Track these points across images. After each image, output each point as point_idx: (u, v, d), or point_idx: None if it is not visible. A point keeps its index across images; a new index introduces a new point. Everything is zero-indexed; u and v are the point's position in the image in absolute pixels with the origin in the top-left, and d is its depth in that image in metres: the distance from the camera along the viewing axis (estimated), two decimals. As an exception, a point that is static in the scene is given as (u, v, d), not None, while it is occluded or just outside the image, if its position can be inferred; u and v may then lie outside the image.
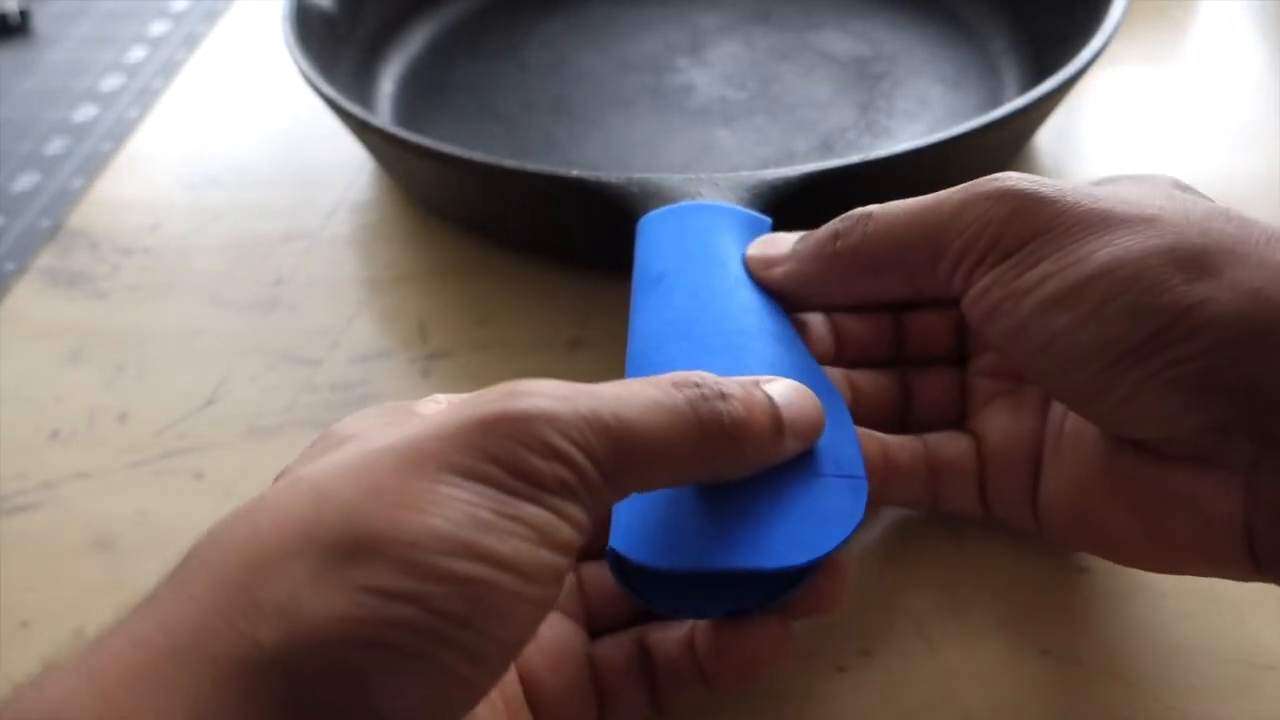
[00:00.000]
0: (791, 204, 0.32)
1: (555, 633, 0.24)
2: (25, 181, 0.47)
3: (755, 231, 0.30)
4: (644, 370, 0.26)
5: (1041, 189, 0.23)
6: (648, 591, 0.23)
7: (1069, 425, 0.26)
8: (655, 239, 0.30)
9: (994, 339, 0.24)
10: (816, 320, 0.29)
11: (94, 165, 0.48)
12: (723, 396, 0.21)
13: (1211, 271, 0.21)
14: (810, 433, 0.23)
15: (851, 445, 0.24)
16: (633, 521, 0.23)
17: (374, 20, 0.50)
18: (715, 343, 0.26)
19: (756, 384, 0.23)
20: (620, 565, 0.23)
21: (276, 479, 0.21)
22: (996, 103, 0.44)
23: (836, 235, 0.27)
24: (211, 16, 0.59)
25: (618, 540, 0.23)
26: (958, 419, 0.29)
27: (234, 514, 0.19)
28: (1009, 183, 0.24)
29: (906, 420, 0.30)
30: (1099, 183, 0.25)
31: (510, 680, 0.23)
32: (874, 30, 0.50)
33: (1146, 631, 0.27)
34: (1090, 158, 0.44)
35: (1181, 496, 0.23)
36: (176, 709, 0.16)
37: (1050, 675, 0.26)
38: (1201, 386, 0.21)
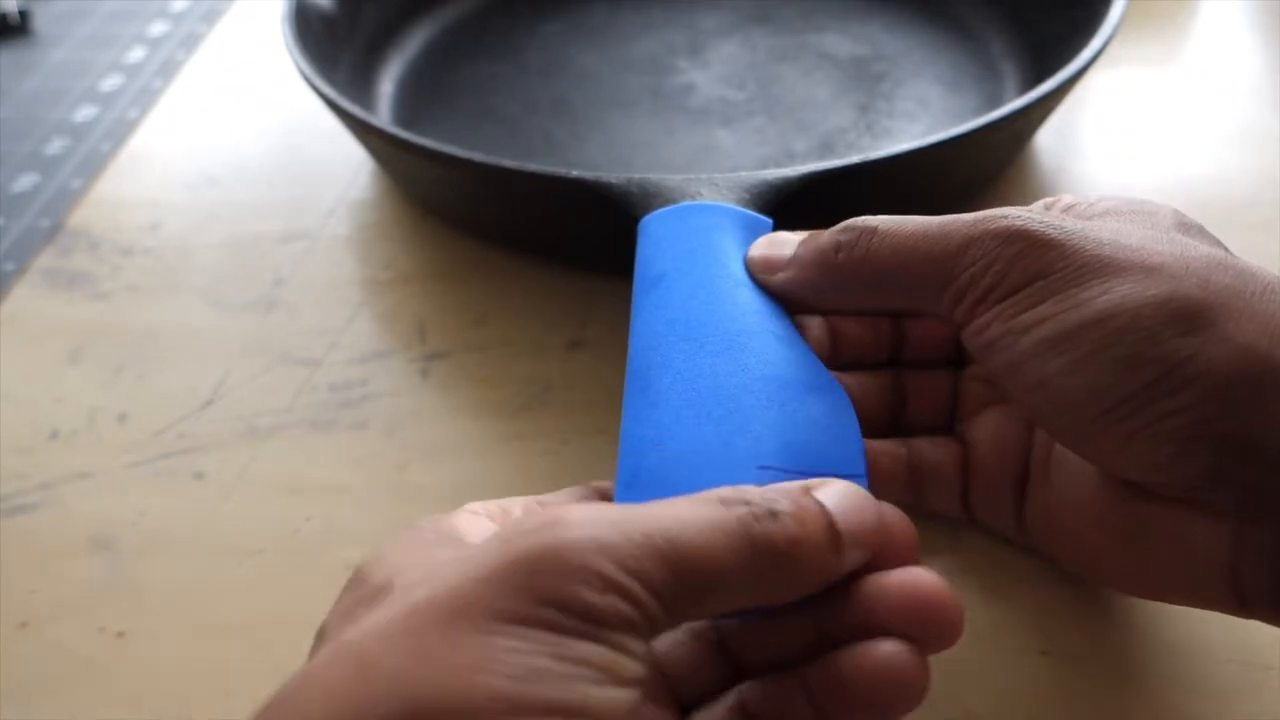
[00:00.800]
0: (791, 204, 0.32)
1: None
2: (25, 182, 0.47)
3: (755, 232, 0.30)
4: (645, 371, 0.26)
5: (1048, 231, 0.23)
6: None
7: (1058, 451, 0.26)
8: (656, 239, 0.30)
9: (990, 371, 0.24)
10: (814, 322, 0.30)
11: (94, 165, 0.48)
12: (773, 515, 0.20)
13: (1205, 325, 0.21)
14: (871, 538, 0.22)
15: (853, 443, 0.24)
16: None
17: (373, 21, 0.50)
18: (716, 343, 0.26)
19: (807, 491, 0.21)
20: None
21: (316, 640, 0.20)
22: (996, 104, 0.44)
23: (839, 247, 0.26)
24: (211, 17, 0.59)
25: None
26: (949, 424, 0.30)
27: (283, 694, 0.18)
28: (1018, 223, 0.24)
29: (899, 423, 0.30)
30: (1103, 212, 0.25)
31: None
32: (874, 31, 0.50)
33: (1146, 631, 0.27)
34: (1090, 158, 0.44)
35: (1170, 536, 0.23)
36: None
37: (1050, 675, 0.26)
38: (1192, 438, 0.21)
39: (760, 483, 0.23)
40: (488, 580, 0.18)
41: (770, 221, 0.31)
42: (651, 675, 0.22)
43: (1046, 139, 0.44)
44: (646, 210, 0.32)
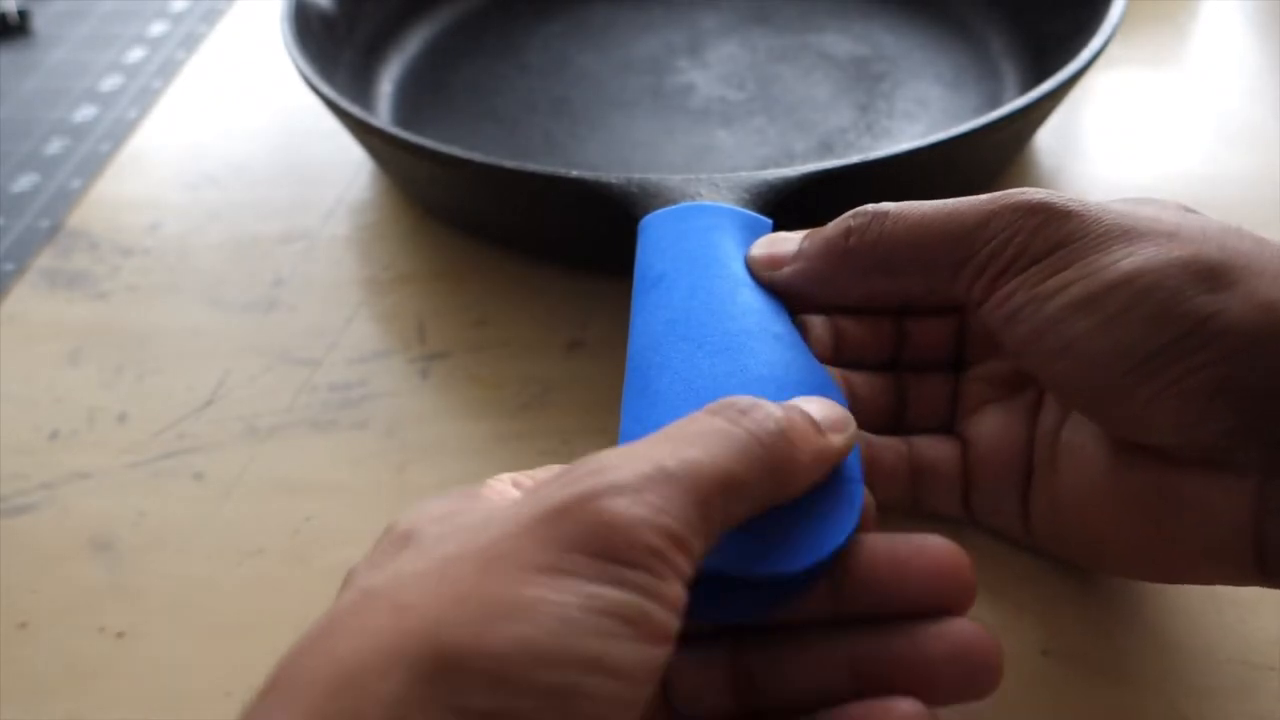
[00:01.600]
0: (791, 204, 0.32)
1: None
2: (25, 182, 0.47)
3: (756, 232, 0.30)
4: (644, 371, 0.26)
5: (1069, 204, 0.24)
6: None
7: (1065, 438, 0.26)
8: (656, 240, 0.30)
9: (1013, 343, 0.24)
10: (816, 321, 0.30)
11: (93, 165, 0.48)
12: (757, 408, 0.21)
13: (1227, 284, 0.22)
14: (844, 424, 0.23)
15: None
16: None
17: (373, 21, 0.50)
18: (716, 343, 0.26)
19: (776, 405, 0.22)
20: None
21: (342, 586, 0.21)
22: (996, 103, 0.44)
23: (849, 232, 0.27)
24: (211, 17, 0.59)
25: None
26: (950, 426, 0.30)
27: (309, 635, 0.18)
28: (1037, 196, 0.24)
29: (900, 424, 0.30)
30: (1112, 201, 0.26)
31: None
32: (873, 31, 0.50)
33: (1146, 631, 0.27)
34: (1090, 158, 0.44)
35: (1192, 502, 0.23)
36: None
37: (1050, 675, 0.26)
38: (1216, 393, 0.22)
39: None
40: (520, 534, 0.18)
41: (770, 221, 0.31)
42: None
43: (1046, 139, 0.44)
44: (646, 210, 0.32)
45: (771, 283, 0.28)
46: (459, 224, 0.42)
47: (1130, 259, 0.23)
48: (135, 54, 0.56)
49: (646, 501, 0.19)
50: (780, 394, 0.25)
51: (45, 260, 0.43)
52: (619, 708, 0.17)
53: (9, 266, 0.42)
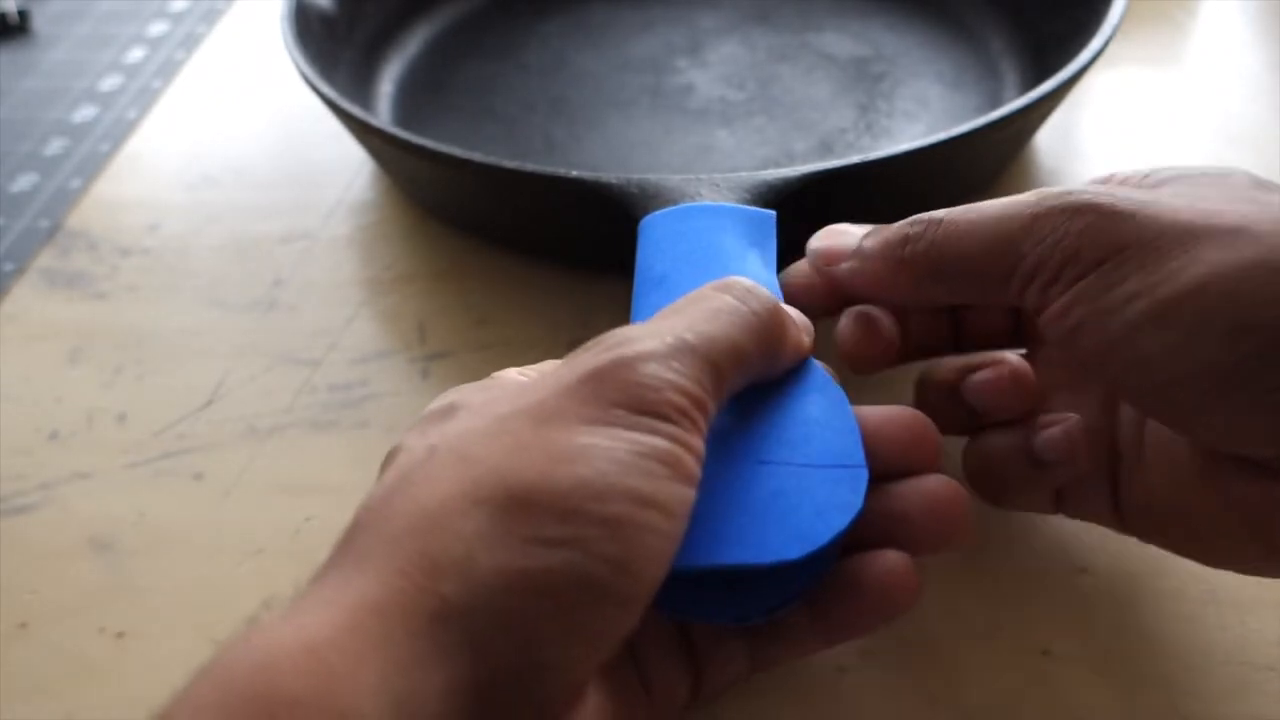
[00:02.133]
0: (791, 204, 0.32)
1: None
2: (24, 182, 0.47)
3: (757, 227, 0.30)
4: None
5: (1117, 203, 0.23)
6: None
7: (1150, 431, 0.26)
8: (656, 241, 0.30)
9: (1080, 356, 0.23)
10: (881, 313, 0.29)
11: (93, 166, 0.48)
12: (755, 286, 0.24)
13: None
14: (809, 329, 0.26)
15: (850, 435, 0.24)
16: None
17: (373, 21, 0.50)
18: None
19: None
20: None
21: (387, 459, 0.23)
22: (996, 103, 0.44)
23: (906, 240, 0.26)
24: (211, 17, 0.59)
25: None
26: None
27: (386, 488, 0.20)
28: (1083, 197, 0.23)
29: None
30: (1170, 179, 0.25)
31: None
32: (873, 31, 0.50)
33: (1146, 632, 0.27)
34: (1090, 158, 0.44)
35: None
36: (375, 654, 0.17)
37: (1050, 675, 0.26)
38: None
39: (759, 476, 0.23)
40: (566, 392, 0.21)
41: (772, 214, 0.31)
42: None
43: (1046, 139, 0.44)
44: (646, 210, 0.32)
45: (827, 277, 0.28)
46: (459, 224, 0.42)
47: (1195, 266, 0.21)
48: (135, 54, 0.56)
49: (673, 368, 0.21)
50: (783, 397, 0.25)
51: (45, 260, 0.43)
52: (662, 537, 0.20)
53: (9, 266, 0.42)
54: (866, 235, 0.27)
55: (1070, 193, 0.23)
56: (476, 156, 0.35)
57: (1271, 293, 0.21)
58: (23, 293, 0.41)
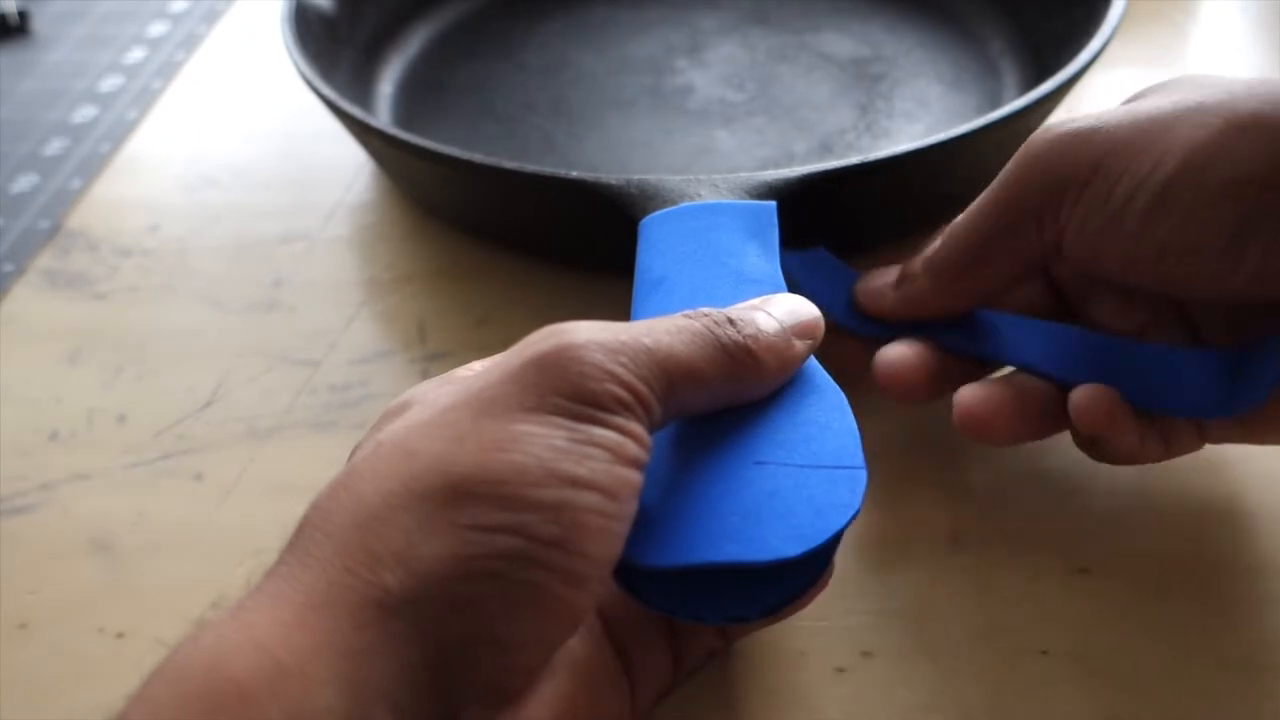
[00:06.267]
0: (791, 205, 0.32)
1: None
2: (24, 182, 0.47)
3: (758, 220, 0.30)
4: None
5: (1079, 124, 0.25)
6: (649, 594, 0.23)
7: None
8: (656, 241, 0.30)
9: (1108, 268, 0.25)
10: (910, 353, 0.29)
11: (93, 166, 0.48)
12: (730, 321, 0.24)
13: (1273, 125, 0.23)
14: (814, 328, 0.25)
15: (849, 436, 0.24)
16: (633, 525, 0.23)
17: (373, 21, 0.50)
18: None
19: (755, 307, 0.25)
20: (621, 569, 0.23)
21: (352, 454, 0.23)
22: (996, 104, 0.44)
23: (935, 251, 0.28)
24: (211, 17, 0.59)
25: None
26: None
27: (332, 485, 0.21)
28: (1048, 133, 0.26)
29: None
30: (1126, 102, 0.27)
31: (592, 620, 0.24)
32: (873, 31, 0.50)
33: (1146, 632, 0.27)
34: (1089, 159, 0.44)
35: None
36: (323, 648, 0.18)
37: (1050, 675, 0.26)
38: None
39: (756, 477, 0.23)
40: (508, 381, 0.21)
41: (772, 205, 0.31)
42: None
43: (1046, 139, 0.44)
44: (646, 211, 0.32)
45: (880, 313, 0.30)
46: (459, 224, 0.42)
47: (1174, 149, 0.23)
48: (135, 54, 0.56)
49: (618, 361, 0.21)
50: (782, 399, 0.25)
51: (45, 261, 0.43)
52: (604, 517, 0.20)
53: (9, 267, 0.42)
54: (904, 265, 0.29)
55: (1033, 138, 0.26)
56: (476, 157, 0.35)
57: (1246, 149, 0.23)
58: (23, 293, 0.41)
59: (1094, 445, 0.28)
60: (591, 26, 0.52)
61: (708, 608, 0.23)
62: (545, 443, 0.20)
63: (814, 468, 0.23)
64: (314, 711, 0.17)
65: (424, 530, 0.19)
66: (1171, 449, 0.28)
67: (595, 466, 0.20)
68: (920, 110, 0.45)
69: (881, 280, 0.30)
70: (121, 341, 0.39)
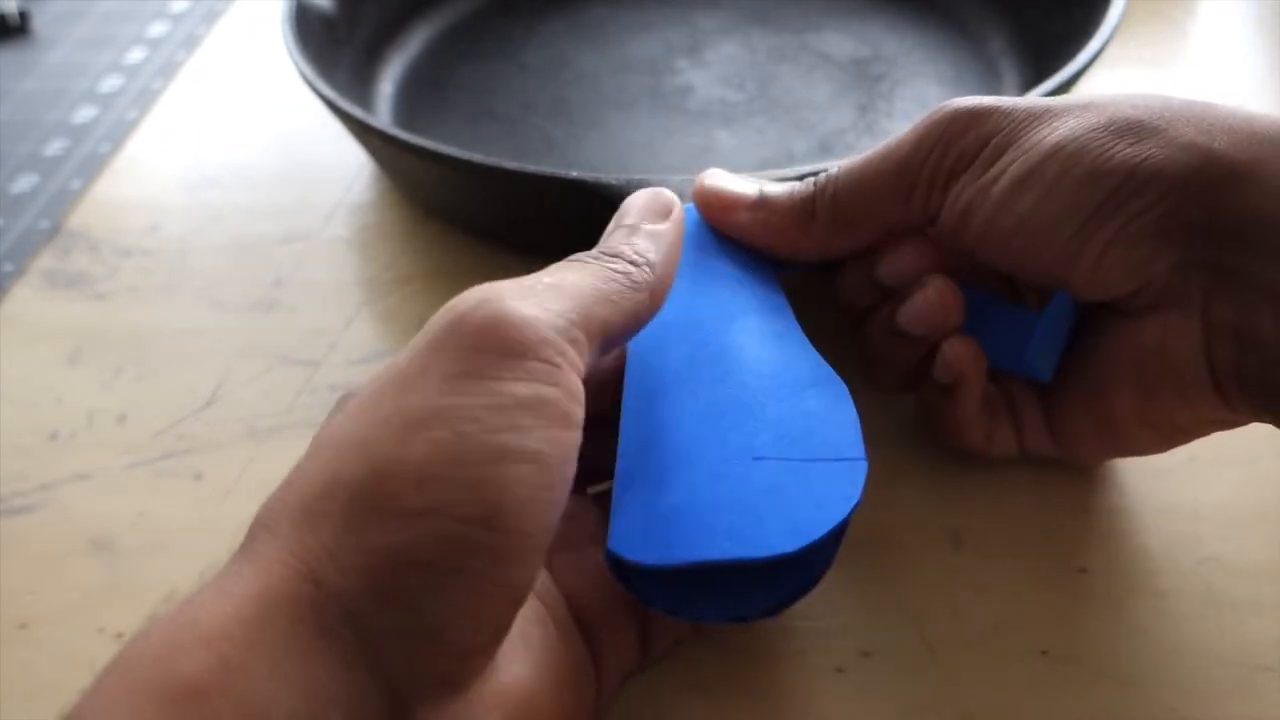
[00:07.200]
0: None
1: (593, 561, 0.25)
2: (24, 183, 0.47)
3: None
4: (645, 373, 0.26)
5: (983, 101, 0.27)
6: (649, 593, 0.23)
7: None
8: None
9: (971, 237, 0.27)
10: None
11: (93, 166, 0.48)
12: (636, 265, 0.24)
13: (1148, 134, 0.24)
14: (667, 205, 0.26)
15: (850, 428, 0.24)
16: (631, 523, 0.23)
17: (373, 21, 0.50)
18: (715, 344, 0.26)
19: (610, 231, 0.26)
20: (620, 568, 0.23)
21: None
22: (995, 104, 0.44)
23: (814, 197, 0.28)
24: (211, 18, 0.59)
25: (615, 542, 0.23)
26: None
27: (279, 487, 0.21)
28: (954, 105, 0.27)
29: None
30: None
31: (558, 604, 0.24)
32: (873, 31, 0.50)
33: (1145, 632, 0.27)
34: (1089, 159, 0.44)
35: (1152, 345, 0.25)
36: (265, 643, 0.18)
37: (1050, 675, 0.26)
38: (1160, 233, 0.24)
39: (755, 472, 0.23)
40: (429, 350, 0.20)
41: None
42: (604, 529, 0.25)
43: (1046, 139, 0.44)
44: (646, 211, 0.31)
45: (723, 226, 0.29)
46: (459, 224, 0.42)
47: (1055, 133, 0.25)
48: (135, 55, 0.56)
49: (541, 304, 0.21)
50: (781, 392, 0.25)
51: (45, 261, 0.43)
52: (534, 487, 0.20)
53: (9, 267, 0.42)
54: (763, 188, 0.29)
55: (943, 105, 0.27)
56: (476, 157, 0.35)
57: (1117, 146, 0.24)
58: (23, 293, 0.41)
59: (937, 412, 0.29)
60: (591, 26, 0.52)
61: (708, 607, 0.23)
62: (467, 414, 0.19)
63: (813, 461, 0.23)
64: (262, 707, 0.17)
65: (349, 525, 0.19)
66: (993, 442, 0.30)
67: (522, 435, 0.20)
68: (920, 110, 0.45)
69: (736, 192, 0.29)
70: (121, 341, 0.39)
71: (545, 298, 0.21)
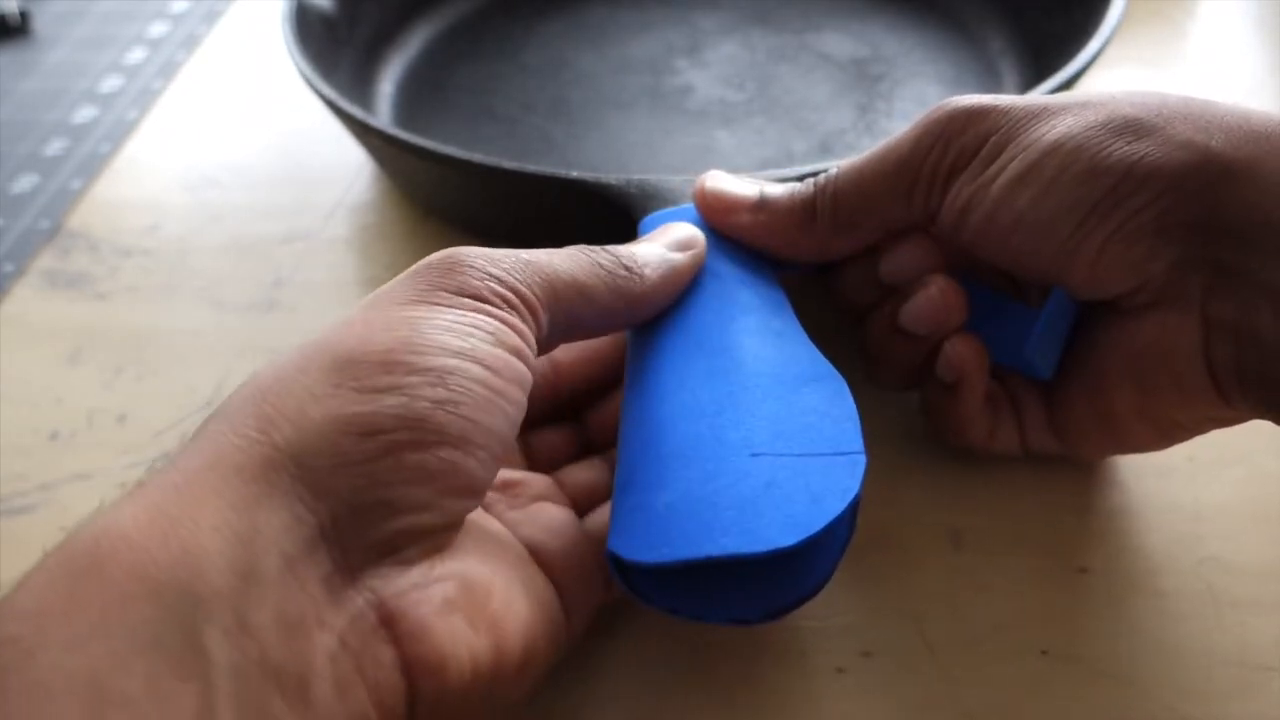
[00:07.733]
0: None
1: (550, 512, 0.26)
2: (24, 183, 0.47)
3: None
4: (644, 373, 0.26)
5: (982, 100, 0.27)
6: (648, 591, 0.23)
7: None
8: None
9: (970, 235, 0.27)
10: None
11: (93, 166, 0.48)
12: (605, 249, 0.26)
13: (1146, 132, 0.25)
14: (692, 240, 0.28)
15: (849, 423, 0.24)
16: (630, 523, 0.23)
17: (373, 21, 0.50)
18: (714, 343, 0.26)
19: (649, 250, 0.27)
20: (620, 567, 0.23)
21: None
22: (996, 104, 0.44)
23: (814, 198, 0.28)
24: (211, 18, 0.59)
25: (614, 542, 0.23)
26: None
27: (248, 378, 0.22)
28: (952, 103, 0.27)
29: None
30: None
31: (522, 552, 0.25)
32: (873, 31, 0.50)
33: (1146, 632, 0.27)
34: (1089, 158, 0.44)
35: (1151, 342, 0.25)
36: (211, 500, 0.19)
37: (1050, 675, 0.26)
38: (1159, 230, 0.24)
39: (753, 469, 0.23)
40: (397, 283, 0.23)
41: None
42: (563, 495, 0.27)
43: (1046, 139, 0.44)
44: (645, 211, 0.32)
45: (722, 227, 0.29)
46: (459, 224, 0.42)
47: (1054, 130, 0.25)
48: (135, 55, 0.56)
49: (502, 266, 0.23)
50: (780, 388, 0.25)
51: (45, 261, 0.43)
52: (490, 389, 0.22)
53: (9, 267, 0.42)
54: (766, 190, 0.29)
55: (942, 104, 0.27)
56: (476, 157, 0.35)
57: (1114, 145, 0.24)
58: (23, 293, 0.41)
59: (939, 409, 0.29)
60: (591, 26, 0.52)
61: (709, 607, 0.23)
62: (429, 322, 0.22)
63: (812, 456, 0.23)
64: (201, 553, 0.18)
65: (313, 395, 0.20)
66: (996, 440, 0.30)
67: (476, 343, 0.22)
68: (920, 110, 0.45)
69: (737, 194, 0.29)
70: (122, 341, 0.39)
71: (506, 260, 0.24)
